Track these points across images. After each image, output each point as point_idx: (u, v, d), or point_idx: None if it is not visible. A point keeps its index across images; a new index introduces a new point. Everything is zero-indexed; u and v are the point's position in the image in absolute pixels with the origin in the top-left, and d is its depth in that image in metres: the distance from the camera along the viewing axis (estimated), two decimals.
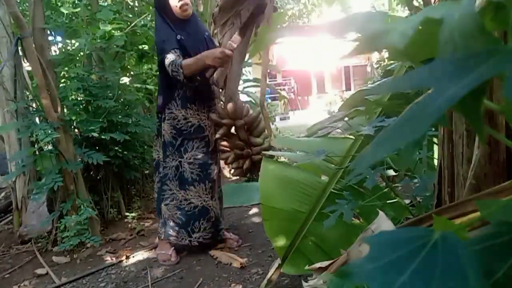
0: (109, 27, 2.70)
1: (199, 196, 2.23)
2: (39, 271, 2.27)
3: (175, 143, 2.21)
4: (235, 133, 2.26)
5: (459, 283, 0.22)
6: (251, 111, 2.26)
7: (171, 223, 2.26)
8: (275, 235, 1.60)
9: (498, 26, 0.35)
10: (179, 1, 2.10)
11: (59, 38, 3.11)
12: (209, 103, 2.28)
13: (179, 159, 2.21)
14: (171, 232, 2.26)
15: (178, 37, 2.11)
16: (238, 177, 3.44)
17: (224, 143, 2.26)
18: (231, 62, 2.11)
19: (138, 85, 3.49)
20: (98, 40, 2.74)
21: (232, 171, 2.31)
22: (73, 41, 3.20)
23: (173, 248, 2.28)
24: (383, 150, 0.23)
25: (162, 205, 2.29)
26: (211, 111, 2.27)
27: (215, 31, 2.32)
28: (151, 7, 3.41)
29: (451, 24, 0.29)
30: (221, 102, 2.33)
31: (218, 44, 2.26)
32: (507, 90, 0.21)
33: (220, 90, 2.34)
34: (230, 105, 2.17)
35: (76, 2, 3.19)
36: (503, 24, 0.34)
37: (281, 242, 1.58)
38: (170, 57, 2.05)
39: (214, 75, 2.12)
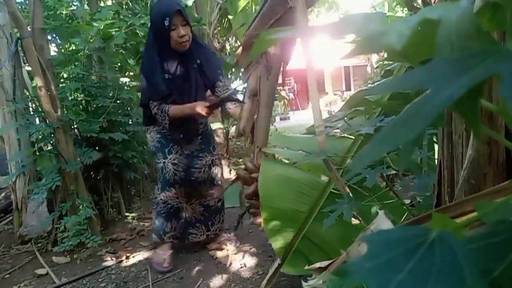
0: (102, 25, 2.69)
1: (176, 198, 2.25)
2: (39, 271, 2.28)
3: (160, 146, 2.21)
4: None
5: (456, 281, 0.22)
6: None
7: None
8: (275, 235, 1.60)
9: (495, 26, 0.35)
10: (180, 36, 2.02)
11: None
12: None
13: (163, 160, 2.19)
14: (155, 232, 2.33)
15: (166, 76, 2.10)
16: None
17: (256, 203, 1.83)
18: (259, 107, 1.87)
19: (135, 84, 3.49)
20: (92, 40, 2.72)
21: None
22: (71, 42, 3.19)
23: (171, 252, 2.23)
24: (381, 150, 0.24)
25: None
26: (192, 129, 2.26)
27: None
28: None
29: (448, 24, 0.29)
30: (251, 155, 2.00)
31: (217, 57, 2.11)
32: (503, 90, 0.21)
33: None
34: (260, 158, 1.83)
35: (75, 2, 3.19)
36: (500, 25, 0.34)
37: (281, 242, 1.58)
38: (155, 103, 2.11)
39: (241, 123, 1.89)
